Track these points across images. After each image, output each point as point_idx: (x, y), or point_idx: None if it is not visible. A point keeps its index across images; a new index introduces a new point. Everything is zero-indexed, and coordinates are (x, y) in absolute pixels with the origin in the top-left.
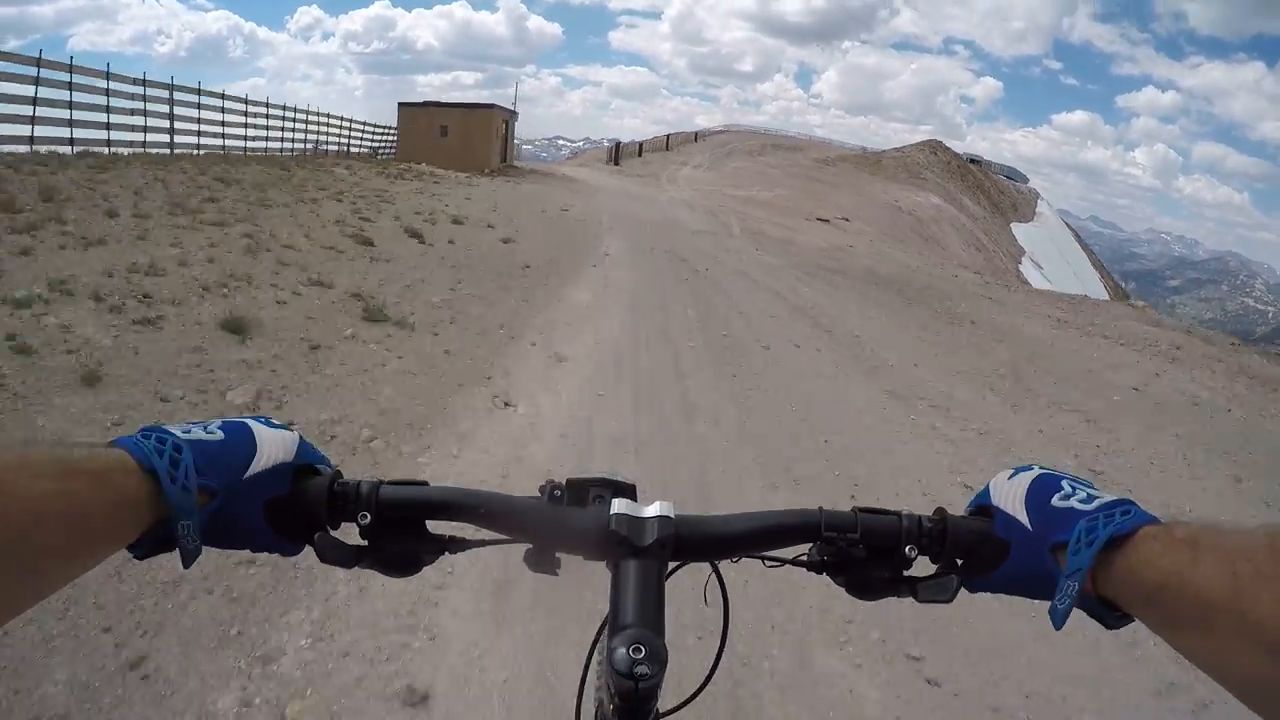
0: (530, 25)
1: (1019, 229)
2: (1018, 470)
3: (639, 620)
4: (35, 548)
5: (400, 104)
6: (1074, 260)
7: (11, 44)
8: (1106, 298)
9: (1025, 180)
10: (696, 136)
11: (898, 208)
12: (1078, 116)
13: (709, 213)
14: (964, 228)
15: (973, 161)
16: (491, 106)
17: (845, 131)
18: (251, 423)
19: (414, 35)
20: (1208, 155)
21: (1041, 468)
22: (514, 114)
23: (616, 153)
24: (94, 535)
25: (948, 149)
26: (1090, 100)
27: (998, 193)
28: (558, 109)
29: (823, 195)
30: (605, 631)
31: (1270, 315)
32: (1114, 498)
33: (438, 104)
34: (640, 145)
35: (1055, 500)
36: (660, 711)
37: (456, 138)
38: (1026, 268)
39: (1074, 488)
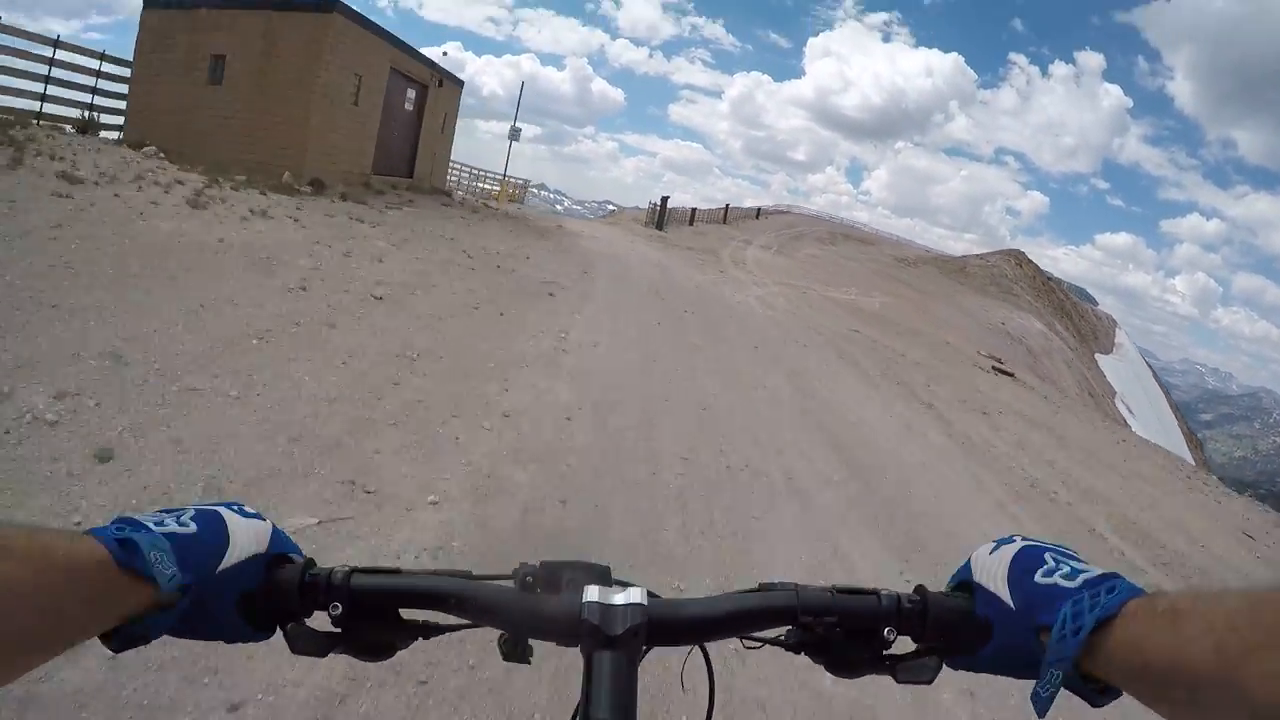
0: (594, 88)
1: (1102, 361)
2: (999, 543)
3: (610, 713)
4: (3, 632)
5: (146, 4)
6: (1155, 401)
7: (94, 19)
8: (1186, 450)
9: (1095, 303)
10: (759, 213)
11: (1005, 332)
12: (1121, 238)
13: (874, 354)
14: (1072, 363)
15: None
16: (332, 6)
17: (893, 232)
18: (224, 511)
19: (480, 81)
20: (1248, 287)
21: (1024, 539)
22: (443, 79)
23: (661, 214)
24: (64, 625)
25: (1031, 262)
26: (1134, 223)
27: (1078, 316)
28: (611, 174)
29: (924, 305)
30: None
31: None
32: (1099, 572)
33: (209, 3)
34: (693, 212)
35: (1039, 576)
36: None
37: (244, 88)
38: (1121, 410)
39: (1058, 562)
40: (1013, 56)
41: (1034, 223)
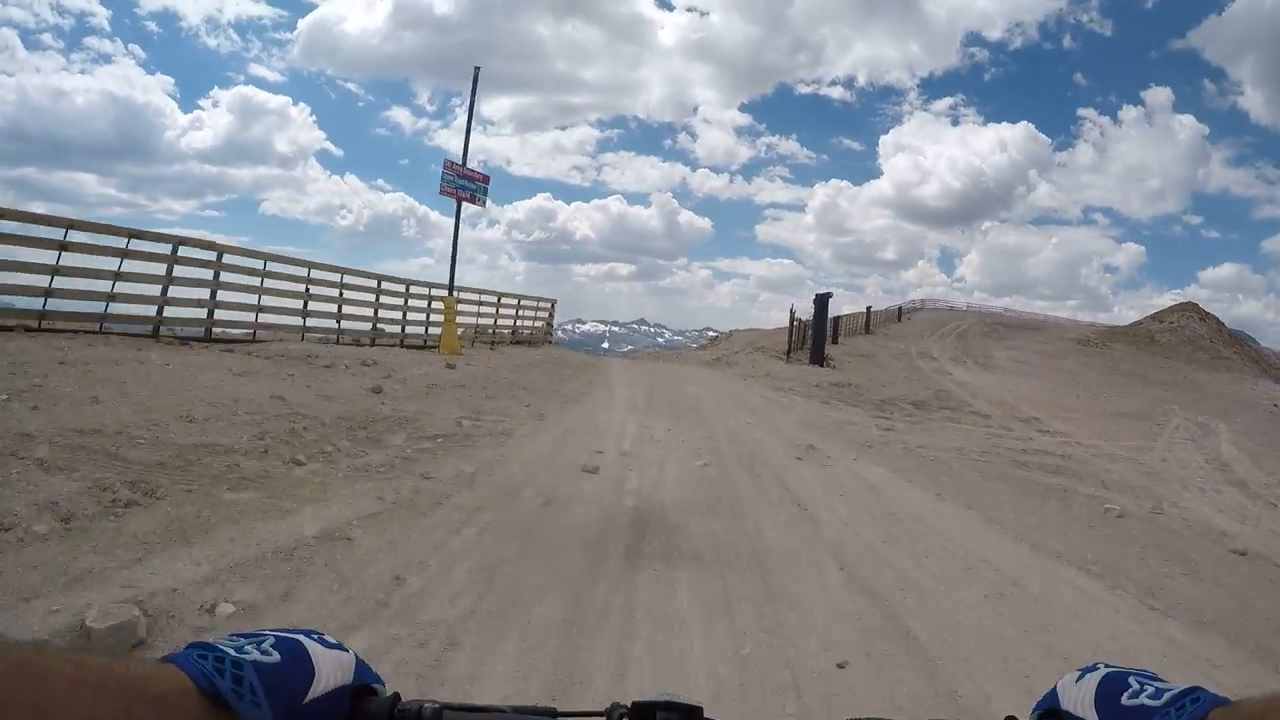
0: (681, 220)
1: None
2: (1084, 671)
3: None
4: None
5: None
6: None
7: (210, 198)
8: None
9: (1258, 343)
10: (900, 314)
11: None
12: (1224, 270)
13: None
14: None
15: None
16: None
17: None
18: (306, 640)
19: (572, 226)
20: None
21: (1107, 666)
22: None
23: (818, 332)
24: None
25: (1211, 314)
26: (1235, 251)
27: (1266, 364)
28: (708, 301)
29: (1215, 413)
30: None
31: None
32: (1182, 688)
33: None
34: (836, 323)
35: (1125, 699)
36: None
37: None
38: None
39: (1142, 684)
40: (1081, 111)
41: (1134, 275)
